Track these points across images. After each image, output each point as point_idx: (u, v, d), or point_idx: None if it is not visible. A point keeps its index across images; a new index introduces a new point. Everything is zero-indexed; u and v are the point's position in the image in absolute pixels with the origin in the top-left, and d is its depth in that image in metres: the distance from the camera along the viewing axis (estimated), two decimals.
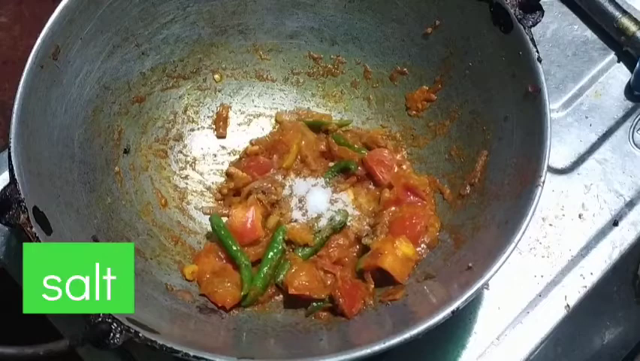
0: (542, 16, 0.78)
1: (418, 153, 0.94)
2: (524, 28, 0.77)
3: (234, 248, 0.85)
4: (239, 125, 0.99)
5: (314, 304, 0.82)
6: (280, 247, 0.85)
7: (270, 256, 0.84)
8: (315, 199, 0.91)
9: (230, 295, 0.82)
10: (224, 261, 0.86)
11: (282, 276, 0.84)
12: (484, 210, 0.80)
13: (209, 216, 0.91)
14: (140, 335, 0.64)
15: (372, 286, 0.82)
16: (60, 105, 0.79)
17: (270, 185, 0.91)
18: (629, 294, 0.90)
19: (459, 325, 0.86)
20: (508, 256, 0.69)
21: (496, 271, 0.68)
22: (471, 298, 0.67)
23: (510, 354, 0.85)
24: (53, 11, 0.77)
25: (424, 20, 0.90)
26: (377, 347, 0.64)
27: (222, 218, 0.88)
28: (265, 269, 0.84)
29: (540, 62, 0.76)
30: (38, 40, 0.76)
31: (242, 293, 0.82)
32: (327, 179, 0.93)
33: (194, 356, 0.63)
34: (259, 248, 0.87)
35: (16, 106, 0.73)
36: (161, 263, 0.85)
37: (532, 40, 0.77)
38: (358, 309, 0.80)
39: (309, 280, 0.83)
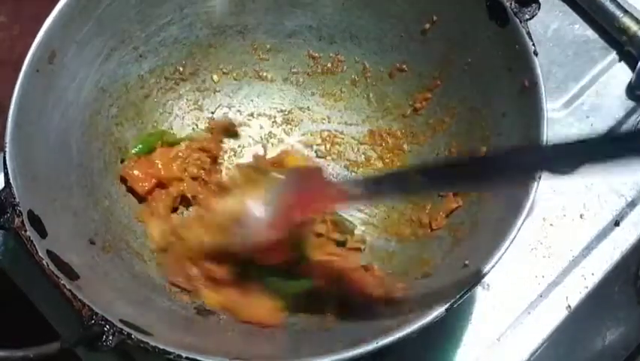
0: (539, 9, 0.77)
1: (419, 150, 0.93)
2: (520, 22, 0.77)
3: None
4: (238, 125, 0.99)
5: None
6: None
7: None
8: None
9: None
10: None
11: None
12: (483, 207, 0.79)
13: None
14: (133, 336, 0.64)
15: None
16: (57, 109, 0.79)
17: None
18: (631, 295, 0.89)
19: (459, 325, 0.86)
20: (504, 253, 0.68)
21: (492, 268, 0.67)
22: (465, 295, 0.66)
23: (510, 355, 0.85)
24: (53, 10, 0.77)
25: (421, 16, 0.89)
26: (370, 347, 0.64)
27: None
28: None
29: (536, 55, 0.75)
30: (34, 45, 0.76)
31: None
32: None
33: (187, 358, 0.63)
34: None
35: (11, 110, 0.73)
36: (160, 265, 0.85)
37: (529, 33, 0.76)
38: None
39: None
